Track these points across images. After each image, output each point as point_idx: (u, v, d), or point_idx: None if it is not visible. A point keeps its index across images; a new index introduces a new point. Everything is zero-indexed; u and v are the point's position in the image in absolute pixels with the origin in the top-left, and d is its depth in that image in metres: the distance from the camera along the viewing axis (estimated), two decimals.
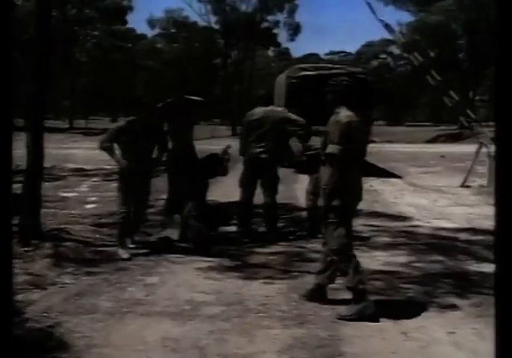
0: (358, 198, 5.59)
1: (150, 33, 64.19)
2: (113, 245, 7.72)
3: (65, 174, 17.16)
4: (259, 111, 8.81)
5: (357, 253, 5.59)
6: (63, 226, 8.83)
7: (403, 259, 7.41)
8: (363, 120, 5.61)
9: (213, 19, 57.56)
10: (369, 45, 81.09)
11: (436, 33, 54.54)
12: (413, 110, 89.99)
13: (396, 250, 7.84)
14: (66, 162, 20.53)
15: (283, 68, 47.50)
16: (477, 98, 59.34)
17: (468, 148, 23.18)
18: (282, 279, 6.32)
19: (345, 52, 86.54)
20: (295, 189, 13.43)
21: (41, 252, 7.22)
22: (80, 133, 44.33)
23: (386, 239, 8.57)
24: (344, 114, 5.40)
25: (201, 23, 57.89)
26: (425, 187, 14.61)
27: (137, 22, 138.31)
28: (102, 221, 9.68)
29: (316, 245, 7.35)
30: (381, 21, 16.42)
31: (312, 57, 66.71)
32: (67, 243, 7.70)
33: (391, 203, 12.17)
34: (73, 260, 7.06)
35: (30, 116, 8.11)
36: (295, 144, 8.38)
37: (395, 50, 77.14)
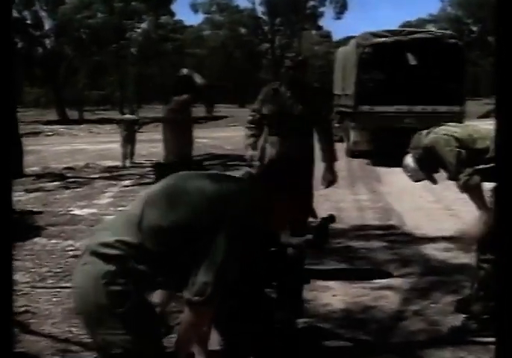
0: None
1: (194, 18, 60.32)
2: None
3: (95, 175, 13.07)
4: None
5: None
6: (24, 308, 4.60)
7: None
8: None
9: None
10: (406, 25, 76.72)
11: (479, 8, 49.23)
12: None
13: None
14: (103, 158, 16.54)
15: (326, 50, 44.06)
16: None
17: None
18: None
19: None
20: (385, 194, 9.01)
21: None
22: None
23: None
24: None
25: (246, 4, 53.63)
26: None
27: (182, 11, 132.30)
28: None
29: None
30: None
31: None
32: None
33: None
34: None
35: None
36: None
37: (432, 28, 74.82)
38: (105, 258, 2.15)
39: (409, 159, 3.96)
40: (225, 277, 2.16)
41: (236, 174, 2.41)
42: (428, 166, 3.87)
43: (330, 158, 4.73)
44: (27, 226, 7.75)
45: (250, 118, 4.93)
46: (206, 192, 2.23)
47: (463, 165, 3.62)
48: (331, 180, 4.76)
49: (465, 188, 3.67)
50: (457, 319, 3.93)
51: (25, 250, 6.42)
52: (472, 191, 3.66)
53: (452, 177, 3.74)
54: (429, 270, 5.10)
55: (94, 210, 8.90)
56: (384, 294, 4.52)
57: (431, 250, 5.70)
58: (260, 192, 2.29)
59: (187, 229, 2.17)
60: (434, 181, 3.99)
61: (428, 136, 3.84)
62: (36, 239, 7.04)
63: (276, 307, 3.50)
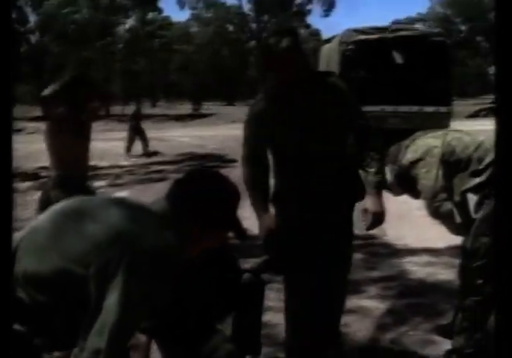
0: None
1: (181, 14, 59.58)
2: None
3: None
4: None
5: None
6: None
7: None
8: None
9: None
10: (395, 23, 76.43)
11: (468, 8, 48.84)
12: None
13: None
14: None
15: (314, 48, 43.61)
16: None
17: None
18: None
19: None
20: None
21: None
22: (116, 120, 39.57)
23: None
24: None
25: (232, 1, 52.94)
26: None
27: (169, 7, 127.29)
28: None
29: None
30: None
31: None
32: None
33: None
34: None
35: None
36: None
37: (421, 27, 74.28)
38: None
39: (387, 174, 3.49)
40: (124, 339, 1.65)
41: (154, 204, 1.90)
42: (408, 182, 3.42)
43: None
44: None
45: (244, 153, 3.18)
46: (97, 229, 1.70)
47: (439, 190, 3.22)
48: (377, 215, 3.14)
49: (435, 215, 3.29)
50: (438, 350, 3.45)
51: None
52: (444, 218, 3.26)
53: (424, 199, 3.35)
54: (408, 289, 4.61)
55: None
56: (354, 319, 4.03)
57: (412, 266, 5.22)
58: (176, 232, 1.78)
59: (72, 276, 1.65)
60: (417, 196, 3.52)
61: (406, 156, 3.39)
62: None
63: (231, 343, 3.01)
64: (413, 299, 4.38)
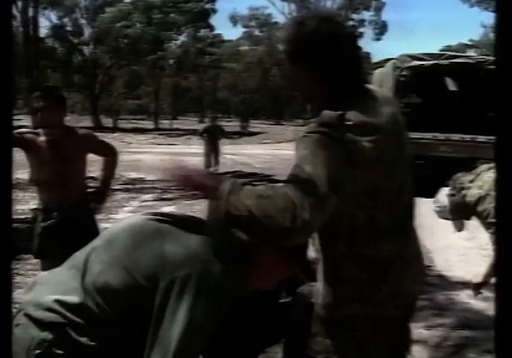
0: None
1: (232, 30, 60.47)
2: None
3: (118, 186, 12.63)
4: None
5: None
6: None
7: None
8: None
9: None
10: (447, 49, 75.96)
11: None
12: None
13: None
14: (129, 169, 16.13)
15: (364, 71, 43.77)
16: None
17: None
18: None
19: None
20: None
21: None
22: (164, 134, 40.12)
23: None
24: None
25: (285, 20, 53.34)
26: None
27: (222, 25, 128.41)
28: None
29: None
30: None
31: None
32: None
33: None
34: None
35: None
36: None
37: (473, 54, 72.97)
38: (40, 323, 1.71)
39: (443, 196, 3.48)
40: (189, 356, 1.70)
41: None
42: (462, 212, 3.40)
43: None
44: None
45: None
46: (171, 248, 1.77)
47: None
48: None
49: None
50: None
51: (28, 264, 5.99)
52: None
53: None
54: (462, 322, 4.56)
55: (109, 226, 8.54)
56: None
57: (465, 298, 5.15)
58: (242, 257, 1.83)
59: (139, 290, 1.72)
60: (460, 228, 3.51)
61: (471, 191, 3.34)
62: None
63: None
64: (468, 332, 4.33)
